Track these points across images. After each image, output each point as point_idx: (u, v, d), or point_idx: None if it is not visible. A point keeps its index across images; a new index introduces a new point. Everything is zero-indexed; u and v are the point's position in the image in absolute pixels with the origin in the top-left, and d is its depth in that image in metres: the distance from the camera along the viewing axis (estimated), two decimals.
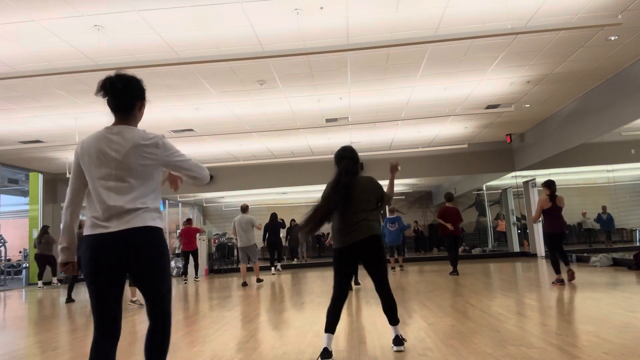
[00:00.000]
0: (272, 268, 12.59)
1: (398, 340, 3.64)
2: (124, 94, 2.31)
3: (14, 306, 8.71)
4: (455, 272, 9.44)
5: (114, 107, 2.33)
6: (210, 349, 4.08)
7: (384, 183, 4.04)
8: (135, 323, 5.81)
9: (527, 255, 13.73)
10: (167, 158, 2.32)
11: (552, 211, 7.12)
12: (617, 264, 9.27)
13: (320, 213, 3.51)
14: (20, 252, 17.51)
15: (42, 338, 5.15)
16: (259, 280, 10.10)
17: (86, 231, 2.25)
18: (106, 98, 2.32)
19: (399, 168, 4.01)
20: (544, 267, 9.94)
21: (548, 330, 4.02)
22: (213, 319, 5.65)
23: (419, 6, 5.86)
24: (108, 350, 2.21)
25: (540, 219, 7.30)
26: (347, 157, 3.69)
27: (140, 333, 5.12)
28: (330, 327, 3.49)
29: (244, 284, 9.76)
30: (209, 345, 4.25)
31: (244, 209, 10.10)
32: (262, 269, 14.16)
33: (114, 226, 2.19)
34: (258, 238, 10.60)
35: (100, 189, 2.24)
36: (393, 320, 3.65)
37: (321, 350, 3.46)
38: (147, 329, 2.32)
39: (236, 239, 10.05)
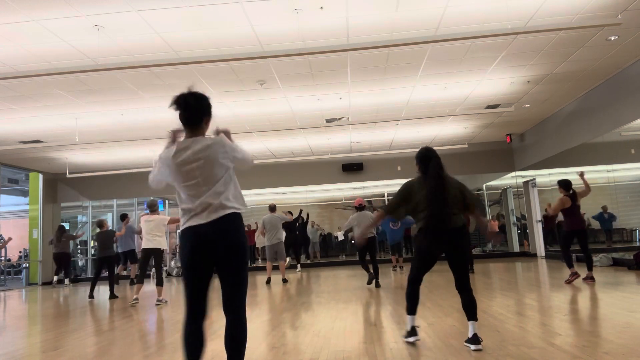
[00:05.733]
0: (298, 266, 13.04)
1: (475, 339, 3.51)
2: (194, 109, 2.62)
3: (15, 305, 8.71)
4: None
5: (185, 120, 2.64)
6: (211, 349, 4.08)
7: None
8: (137, 323, 5.81)
9: (527, 255, 13.73)
10: (231, 153, 2.62)
11: (573, 209, 7.08)
12: (617, 264, 9.27)
13: (435, 211, 3.67)
14: (20, 252, 17.52)
15: (43, 338, 5.15)
16: (284, 281, 10.08)
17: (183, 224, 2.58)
18: (178, 112, 2.62)
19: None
20: (544, 267, 9.94)
21: (548, 330, 4.02)
22: (213, 319, 5.65)
23: (419, 6, 5.86)
24: (200, 327, 2.60)
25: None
26: (434, 156, 3.96)
27: (141, 333, 5.12)
28: (412, 310, 3.84)
29: (269, 281, 10.01)
30: (209, 345, 4.24)
31: (272, 208, 10.40)
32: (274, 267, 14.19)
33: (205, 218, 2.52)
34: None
35: (186, 193, 2.58)
36: (472, 315, 3.58)
37: (409, 329, 3.84)
38: (226, 324, 2.59)
39: (261, 238, 10.42)
